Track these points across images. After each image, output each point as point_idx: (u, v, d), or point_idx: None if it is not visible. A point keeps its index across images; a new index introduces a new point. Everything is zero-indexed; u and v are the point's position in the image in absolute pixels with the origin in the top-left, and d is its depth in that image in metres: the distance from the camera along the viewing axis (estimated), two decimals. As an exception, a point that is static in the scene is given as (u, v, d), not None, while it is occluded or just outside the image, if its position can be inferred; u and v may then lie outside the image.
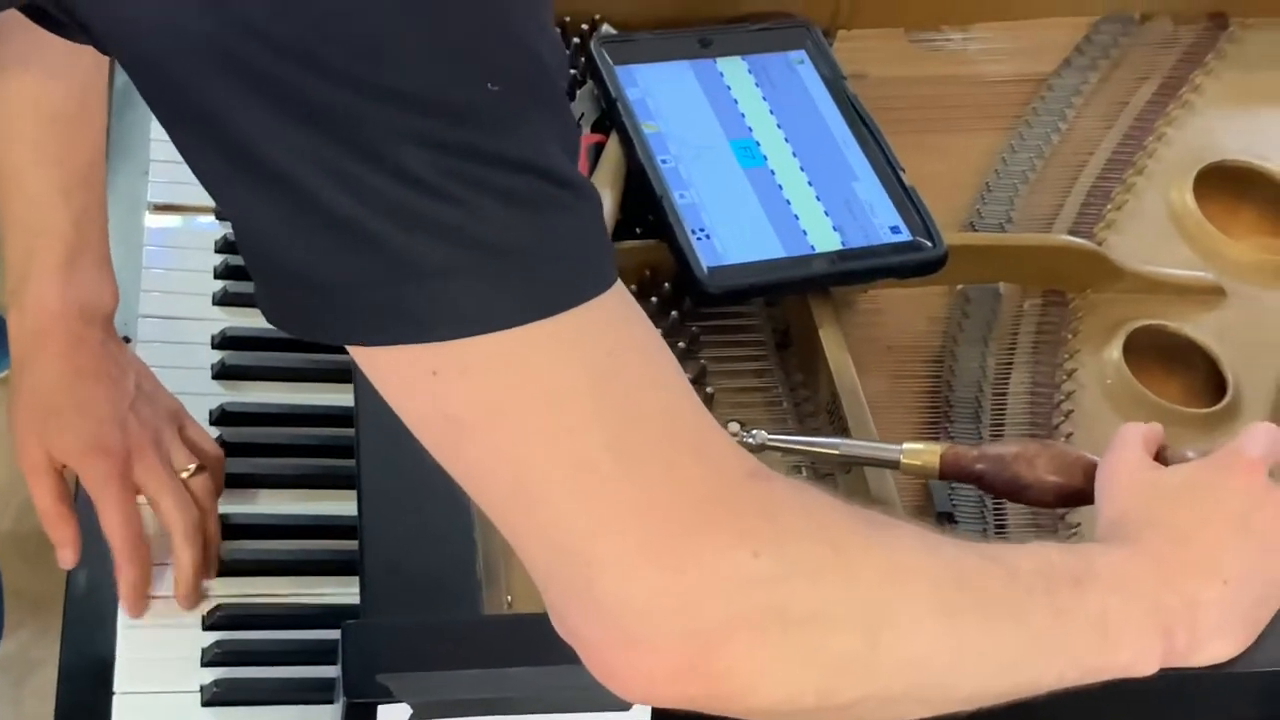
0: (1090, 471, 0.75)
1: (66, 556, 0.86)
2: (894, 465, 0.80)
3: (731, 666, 0.55)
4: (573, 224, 0.52)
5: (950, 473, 0.79)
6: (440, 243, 0.50)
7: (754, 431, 0.83)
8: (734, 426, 0.83)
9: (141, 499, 0.86)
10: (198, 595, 0.85)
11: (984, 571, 0.61)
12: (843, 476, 0.86)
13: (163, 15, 0.51)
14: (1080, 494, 0.76)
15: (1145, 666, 0.65)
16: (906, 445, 0.80)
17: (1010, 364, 0.95)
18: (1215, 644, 0.67)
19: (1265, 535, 0.69)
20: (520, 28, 0.52)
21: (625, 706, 0.65)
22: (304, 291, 0.53)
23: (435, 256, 0.50)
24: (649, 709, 0.66)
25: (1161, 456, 0.75)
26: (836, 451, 0.83)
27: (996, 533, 0.84)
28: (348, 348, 0.54)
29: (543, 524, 0.54)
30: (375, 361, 0.54)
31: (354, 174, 0.49)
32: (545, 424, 0.52)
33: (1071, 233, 1.01)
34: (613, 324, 0.54)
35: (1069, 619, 0.63)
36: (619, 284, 0.55)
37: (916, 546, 0.60)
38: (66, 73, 0.83)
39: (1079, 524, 0.85)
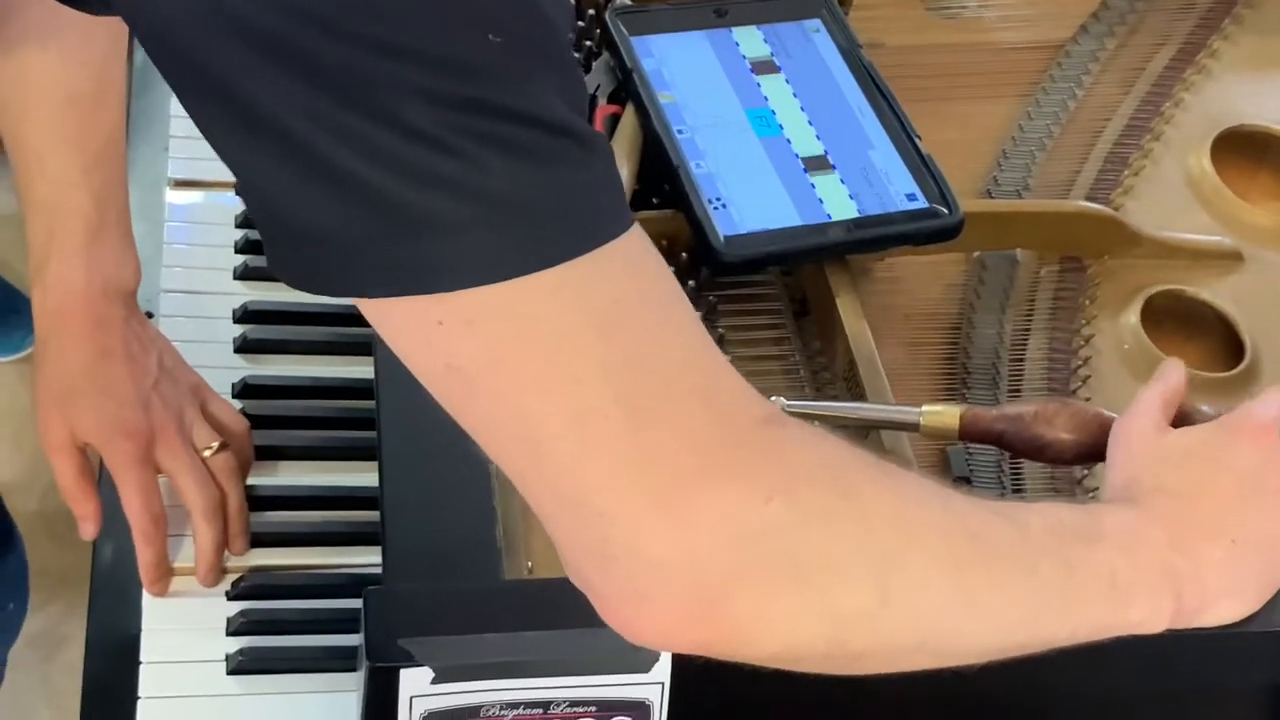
0: (1109, 429, 0.76)
1: (88, 529, 0.87)
2: (914, 428, 0.81)
3: (742, 615, 0.55)
4: (577, 174, 0.52)
5: (970, 433, 0.80)
6: (444, 196, 0.50)
7: (773, 398, 0.84)
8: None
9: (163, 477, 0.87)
10: (219, 573, 0.86)
11: (995, 527, 0.61)
12: (861, 444, 0.86)
13: None
14: (1099, 451, 0.77)
15: (1154, 624, 0.66)
16: (926, 407, 0.80)
17: (1028, 330, 0.95)
18: (1224, 604, 0.68)
19: (1273, 498, 0.69)
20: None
21: (644, 669, 0.66)
22: (310, 247, 0.53)
23: (439, 209, 0.50)
24: (668, 671, 0.66)
25: (1182, 412, 0.76)
26: (856, 415, 0.84)
27: (1014, 496, 0.85)
28: (357, 303, 0.54)
29: (552, 476, 0.54)
30: (383, 314, 0.54)
31: (357, 129, 0.50)
32: (550, 374, 0.52)
33: (1089, 199, 1.01)
34: (621, 272, 0.53)
35: (1080, 575, 0.63)
36: (633, 230, 0.54)
37: (929, 499, 0.60)
38: (84, 53, 0.84)
39: (1096, 488, 0.85)
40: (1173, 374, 0.76)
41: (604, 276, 0.53)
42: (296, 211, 0.52)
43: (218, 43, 0.51)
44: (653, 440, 0.53)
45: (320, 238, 0.52)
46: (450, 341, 0.53)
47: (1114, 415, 0.77)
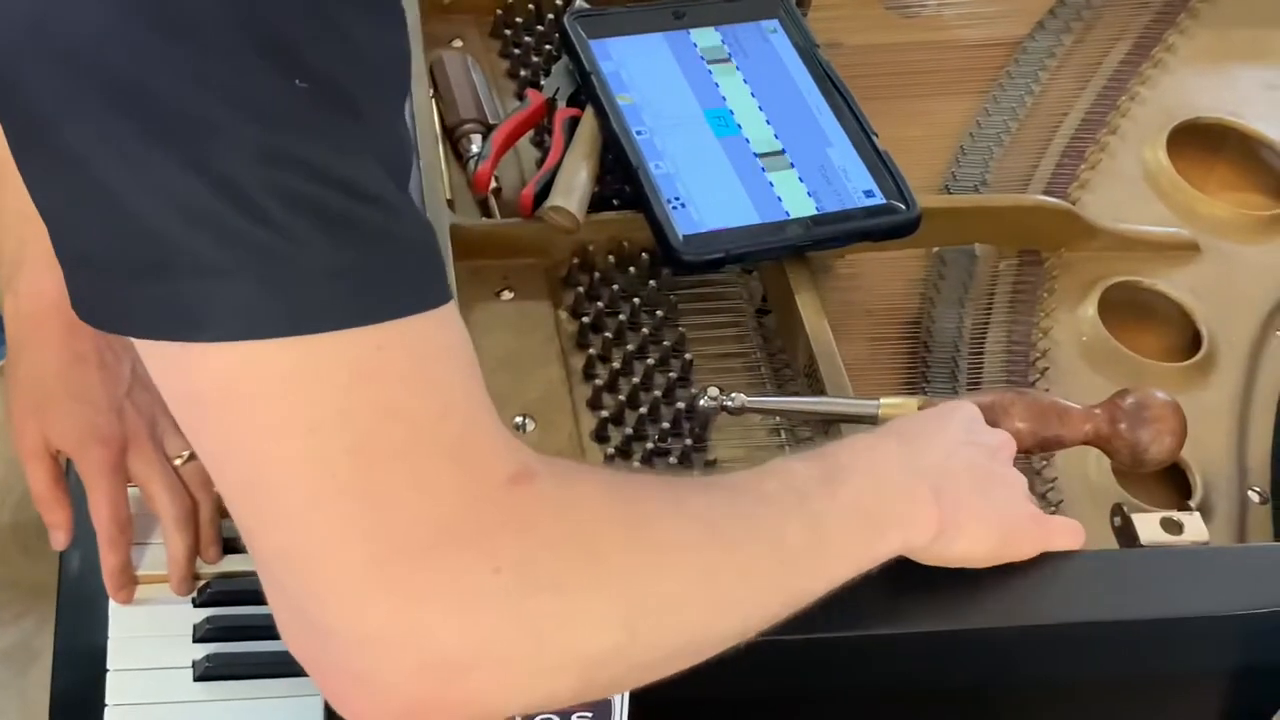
0: (1065, 417, 0.77)
1: (59, 539, 0.87)
2: (873, 420, 0.81)
3: (479, 691, 0.52)
4: (375, 241, 0.49)
5: None
6: (210, 241, 0.48)
7: (733, 395, 0.84)
8: (713, 390, 0.84)
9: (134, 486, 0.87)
10: (191, 582, 0.86)
11: (733, 511, 0.60)
12: (821, 438, 0.87)
13: None
14: (1057, 440, 0.78)
15: (921, 534, 0.66)
16: (884, 400, 0.81)
17: (987, 323, 0.95)
18: (973, 522, 0.68)
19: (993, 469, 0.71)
20: (345, 23, 0.49)
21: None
22: (82, 276, 0.51)
23: (204, 255, 0.48)
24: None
25: (1138, 394, 0.78)
26: (815, 410, 0.84)
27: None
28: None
29: (274, 529, 0.51)
30: (141, 347, 0.52)
31: (145, 161, 0.48)
32: (285, 421, 0.49)
33: (1046, 193, 1.02)
34: (400, 343, 0.50)
35: (827, 522, 0.63)
36: (432, 314, 0.51)
37: (670, 511, 0.58)
38: None
39: (1055, 478, 0.86)
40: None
41: (366, 341, 0.49)
42: (72, 235, 0.51)
43: (34, 60, 0.49)
44: (384, 499, 0.50)
45: (90, 268, 0.51)
46: (191, 376, 0.50)
47: (1071, 404, 0.78)
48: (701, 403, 0.85)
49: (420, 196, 0.90)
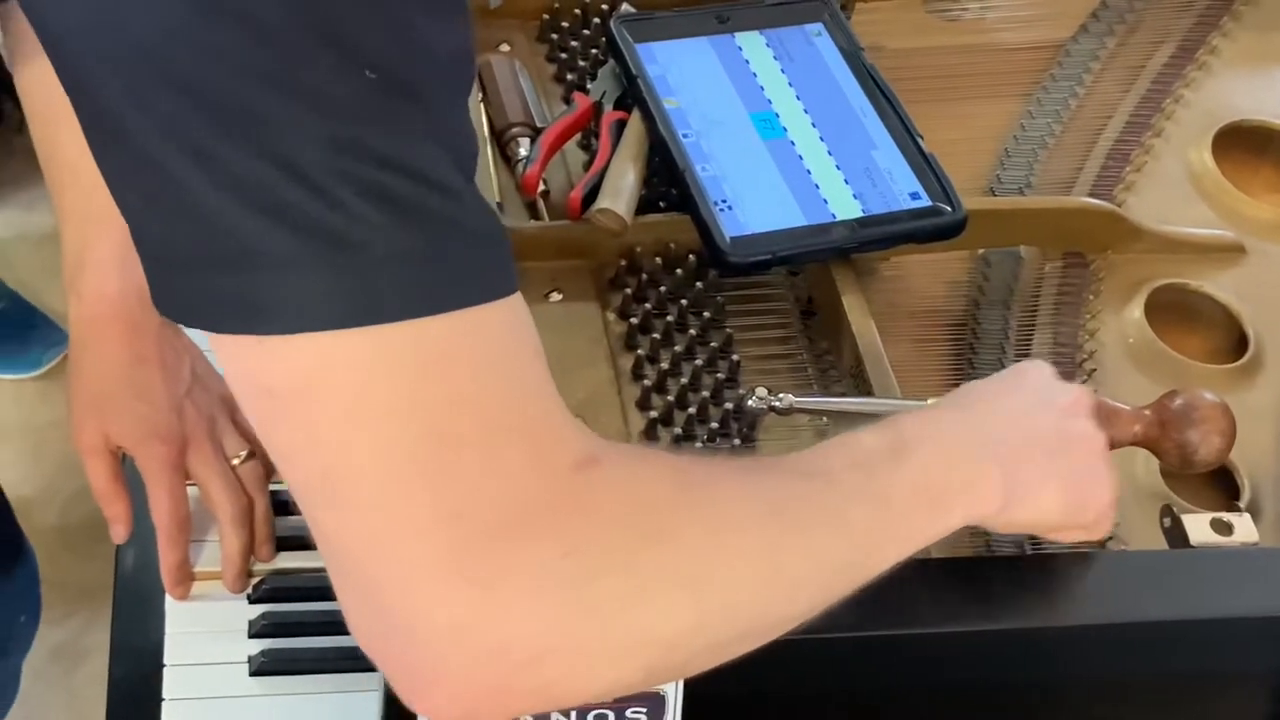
0: (1113, 418, 0.77)
1: (119, 532, 0.88)
2: None
3: (549, 680, 0.52)
4: (442, 232, 0.49)
5: None
6: (284, 231, 0.48)
7: (781, 395, 0.85)
8: (761, 391, 0.85)
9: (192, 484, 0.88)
10: (246, 579, 0.88)
11: (801, 492, 0.61)
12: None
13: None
14: (1107, 440, 0.78)
15: (986, 504, 0.66)
16: (932, 400, 0.82)
17: (1032, 325, 0.96)
18: (1044, 494, 0.68)
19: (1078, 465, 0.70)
20: (407, 16, 0.49)
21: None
22: (161, 272, 0.52)
23: (283, 249, 0.48)
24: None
25: (1186, 396, 0.77)
26: (863, 409, 0.85)
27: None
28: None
29: (347, 518, 0.51)
30: (214, 341, 0.52)
31: (214, 152, 0.48)
32: (358, 406, 0.49)
33: (1091, 195, 1.02)
34: (466, 333, 0.50)
35: (892, 499, 0.63)
36: (499, 303, 0.51)
37: (736, 494, 0.58)
38: None
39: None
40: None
41: (439, 331, 0.49)
42: (150, 231, 0.51)
43: (102, 60, 0.50)
44: (456, 484, 0.50)
45: (167, 263, 0.51)
46: (265, 369, 0.50)
47: (1120, 405, 0.78)
48: (750, 403, 0.85)
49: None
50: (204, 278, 0.50)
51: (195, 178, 0.48)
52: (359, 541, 0.51)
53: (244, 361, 0.51)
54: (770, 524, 0.58)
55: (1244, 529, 0.76)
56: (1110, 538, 0.83)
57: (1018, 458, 0.67)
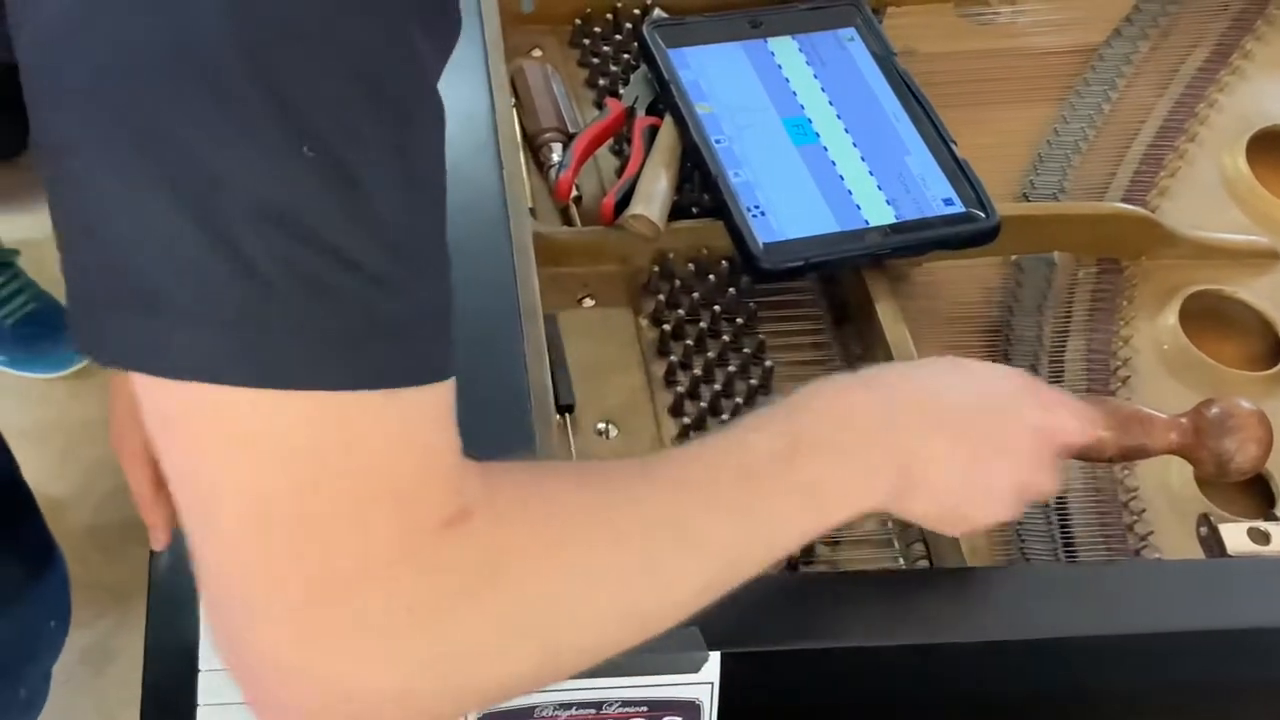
0: (1148, 426, 0.76)
1: (159, 538, 0.89)
2: None
3: None
4: (340, 311, 0.51)
5: None
6: (189, 282, 0.49)
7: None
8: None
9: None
10: None
11: (671, 514, 0.60)
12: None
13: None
14: (1141, 449, 0.77)
15: (870, 505, 0.65)
16: None
17: (1066, 332, 0.95)
18: (939, 440, 0.67)
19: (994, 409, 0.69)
20: (353, 83, 0.50)
21: (694, 669, 0.67)
22: (76, 300, 0.53)
23: (181, 295, 0.50)
24: (717, 671, 0.67)
25: (1222, 405, 0.77)
26: None
27: (1056, 506, 0.85)
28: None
29: (212, 548, 0.53)
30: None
31: (145, 200, 0.49)
32: (238, 453, 0.51)
33: (1125, 200, 1.02)
34: (365, 413, 0.51)
35: (775, 512, 0.63)
36: (415, 387, 0.52)
37: (596, 518, 0.58)
38: None
39: (1137, 488, 0.86)
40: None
41: (330, 406, 0.51)
42: (69, 254, 0.52)
43: (60, 84, 0.50)
44: (317, 533, 0.52)
45: (82, 294, 0.52)
46: (160, 394, 0.52)
47: (1155, 413, 0.78)
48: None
49: (503, 204, 0.91)
50: (107, 311, 0.51)
51: (118, 215, 0.50)
52: (218, 572, 0.53)
53: (143, 384, 0.52)
54: (634, 562, 0.59)
55: (1282, 538, 0.75)
56: (1145, 545, 0.83)
57: (921, 451, 0.66)
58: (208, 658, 0.85)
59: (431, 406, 0.54)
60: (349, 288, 0.51)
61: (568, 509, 0.59)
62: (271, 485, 0.51)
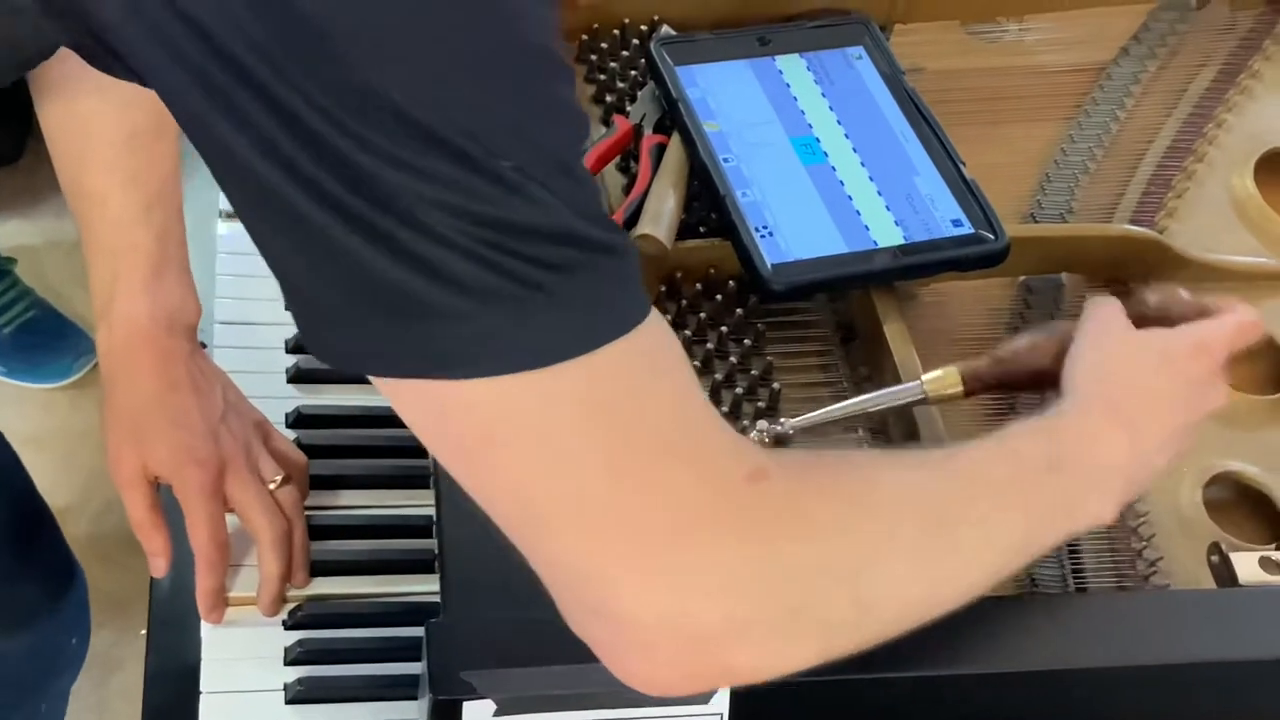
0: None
1: (159, 565, 0.88)
2: (922, 400, 0.83)
3: (739, 660, 0.60)
4: (586, 280, 0.56)
5: (974, 388, 0.82)
6: (455, 292, 0.54)
7: (780, 420, 0.84)
8: (761, 423, 0.84)
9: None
10: (281, 603, 0.87)
11: (957, 496, 0.67)
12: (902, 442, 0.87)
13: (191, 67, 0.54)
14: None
15: (1095, 522, 0.72)
16: (925, 376, 0.82)
17: (1074, 354, 0.95)
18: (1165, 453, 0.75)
19: (1191, 398, 0.77)
20: (536, 105, 0.55)
21: (704, 700, 0.67)
22: (330, 327, 0.57)
23: (451, 304, 0.54)
24: (727, 703, 0.67)
25: (1147, 307, 0.82)
26: (863, 407, 0.85)
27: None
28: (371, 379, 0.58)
29: (549, 544, 0.58)
30: (393, 390, 0.57)
31: (381, 227, 0.53)
32: (545, 452, 0.56)
33: (1133, 222, 1.02)
34: (623, 359, 0.56)
35: (1037, 513, 0.69)
36: (645, 322, 0.57)
37: (893, 497, 0.65)
38: (140, 94, 0.85)
39: (1147, 512, 0.86)
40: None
41: (601, 368, 0.56)
42: (318, 294, 0.56)
43: (247, 120, 0.53)
44: (639, 507, 0.57)
45: (339, 320, 0.56)
46: (452, 423, 0.57)
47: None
48: (751, 437, 0.84)
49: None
50: (380, 330, 0.55)
51: (353, 242, 0.54)
52: (563, 563, 0.58)
53: (427, 409, 0.57)
54: (925, 524, 0.65)
55: (1293, 568, 0.75)
56: (1154, 571, 0.83)
57: (1150, 457, 0.74)
58: (209, 680, 0.85)
59: (669, 333, 0.60)
60: (579, 259, 0.55)
61: (863, 479, 0.65)
62: (582, 470, 0.56)
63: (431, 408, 0.57)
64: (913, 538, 0.64)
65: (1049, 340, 0.80)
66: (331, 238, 0.54)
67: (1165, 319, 0.80)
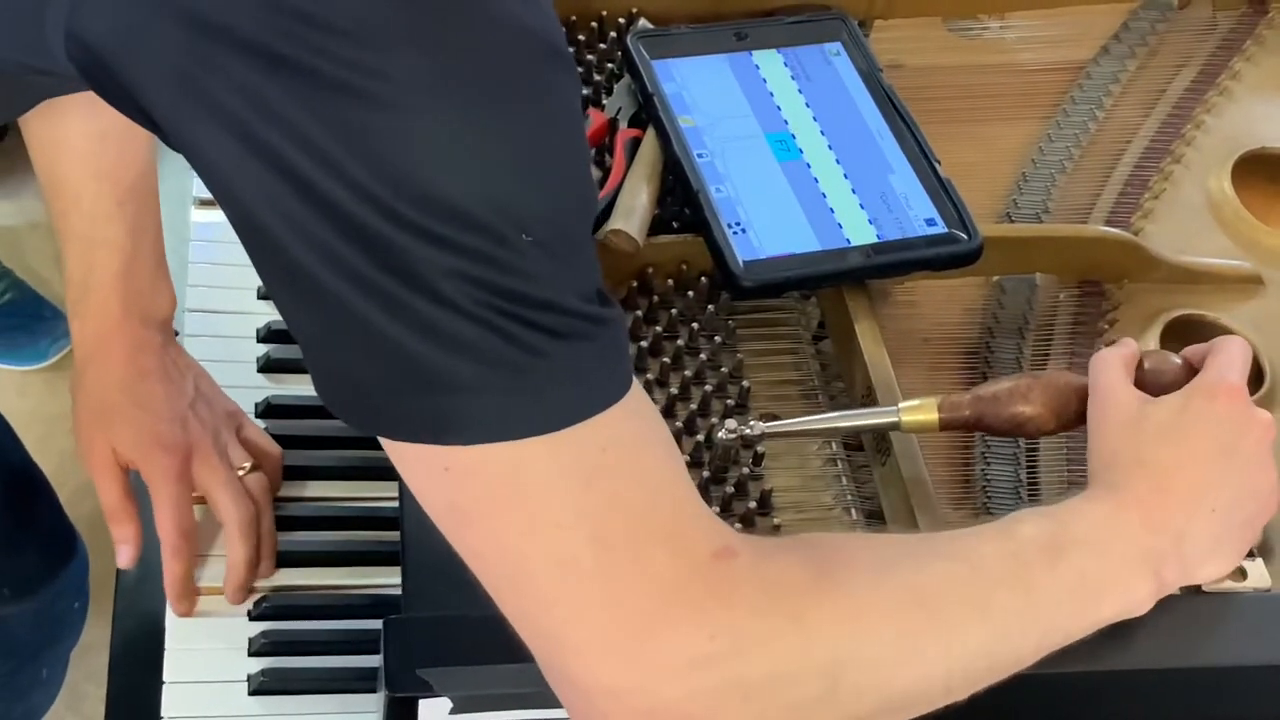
0: (1083, 393, 0.78)
1: (126, 554, 0.88)
2: (895, 427, 0.82)
3: None
4: (587, 350, 0.58)
5: (950, 423, 0.81)
6: (462, 360, 0.56)
7: (751, 423, 0.84)
8: (730, 423, 0.84)
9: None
10: (246, 591, 0.87)
11: (945, 577, 0.65)
12: (878, 468, 0.86)
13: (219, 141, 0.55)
14: (1079, 417, 0.79)
15: (1135, 608, 0.70)
16: (902, 404, 0.81)
17: (1047, 355, 0.95)
18: (1207, 568, 0.72)
19: (1250, 457, 0.73)
20: (557, 184, 0.57)
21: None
22: (341, 384, 0.59)
23: (458, 372, 0.56)
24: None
25: (1142, 372, 0.78)
26: (837, 425, 0.84)
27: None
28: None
29: (530, 608, 0.60)
30: (397, 451, 0.59)
31: (392, 293, 0.55)
32: (536, 520, 0.58)
33: (1109, 222, 1.01)
34: (613, 430, 0.59)
35: (1042, 594, 0.66)
36: (630, 392, 0.60)
37: (873, 579, 0.63)
38: None
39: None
40: (1126, 343, 0.81)
41: (598, 436, 0.58)
42: (329, 354, 0.58)
43: (262, 188, 0.55)
44: (616, 582, 0.59)
45: (349, 379, 0.58)
46: (454, 485, 0.58)
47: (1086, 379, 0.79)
48: (719, 435, 0.84)
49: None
50: (388, 396, 0.57)
51: (370, 312, 0.55)
52: (543, 626, 0.60)
53: (430, 473, 0.59)
54: (908, 609, 0.63)
55: (1257, 574, 0.75)
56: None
57: (1187, 546, 0.70)
58: (172, 670, 0.85)
59: (651, 406, 0.62)
60: (577, 328, 0.58)
61: (833, 561, 0.64)
62: (573, 541, 0.58)
63: (434, 469, 0.58)
64: (893, 620, 0.63)
65: (1032, 385, 0.80)
66: (346, 302, 0.55)
67: (1159, 386, 0.78)
